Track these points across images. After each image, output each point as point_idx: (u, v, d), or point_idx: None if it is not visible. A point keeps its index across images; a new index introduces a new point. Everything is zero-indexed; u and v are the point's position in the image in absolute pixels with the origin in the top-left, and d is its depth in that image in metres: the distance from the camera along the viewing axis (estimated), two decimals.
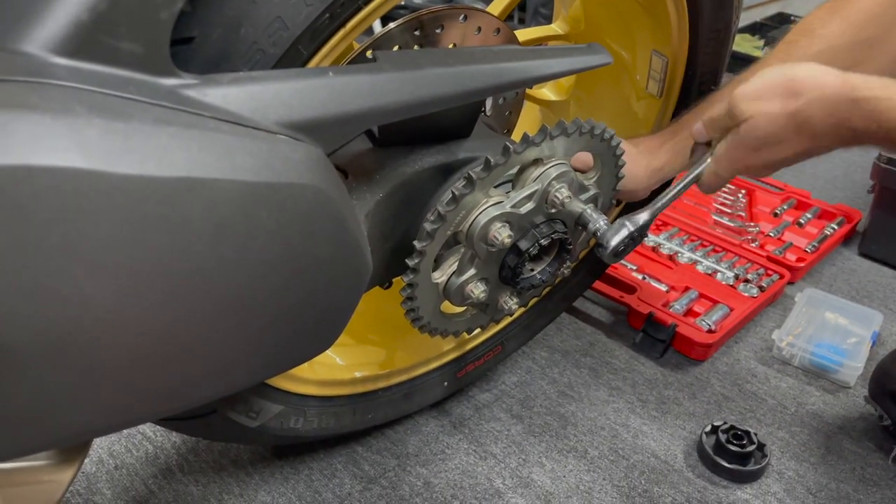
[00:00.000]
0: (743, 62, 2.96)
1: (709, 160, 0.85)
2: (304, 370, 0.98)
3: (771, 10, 3.17)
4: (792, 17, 3.11)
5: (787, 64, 0.77)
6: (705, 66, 1.04)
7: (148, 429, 1.19)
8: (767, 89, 0.76)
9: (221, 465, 1.14)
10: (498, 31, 0.93)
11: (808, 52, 0.90)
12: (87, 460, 1.12)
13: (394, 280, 1.00)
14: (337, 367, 1.06)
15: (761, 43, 2.83)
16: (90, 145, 0.44)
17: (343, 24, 0.65)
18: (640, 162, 0.96)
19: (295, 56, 0.63)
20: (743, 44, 2.80)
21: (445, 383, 1.20)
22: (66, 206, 0.43)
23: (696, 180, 0.87)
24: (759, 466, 1.13)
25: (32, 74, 0.46)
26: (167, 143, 0.48)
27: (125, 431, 1.18)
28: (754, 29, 2.96)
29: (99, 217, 0.45)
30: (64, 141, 0.43)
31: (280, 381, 0.95)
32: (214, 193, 0.50)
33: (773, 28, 2.97)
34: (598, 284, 1.46)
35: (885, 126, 0.70)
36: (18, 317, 0.46)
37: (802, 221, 1.71)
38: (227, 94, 0.54)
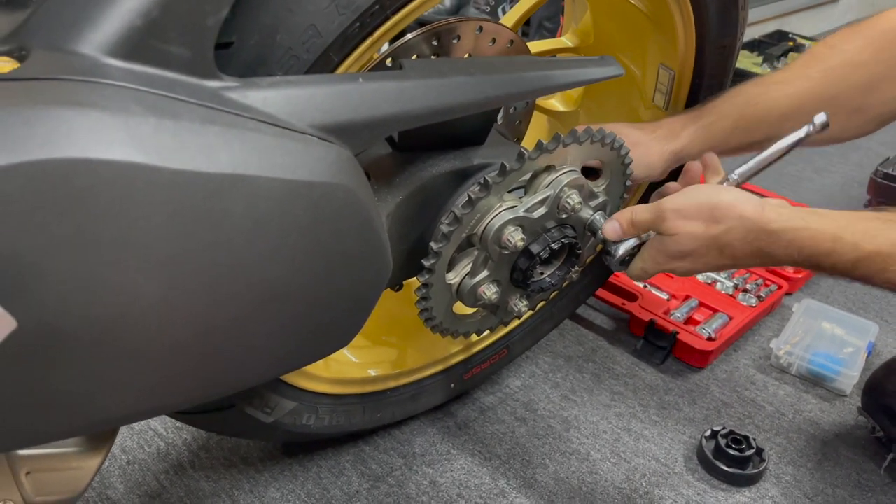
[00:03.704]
0: (743, 78, 2.97)
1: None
2: (318, 368, 1.00)
3: (770, 27, 3.23)
4: (790, 35, 3.16)
5: (714, 186, 0.83)
6: (711, 81, 1.07)
7: (160, 426, 1.21)
8: (693, 210, 0.80)
9: (232, 462, 1.17)
10: (511, 42, 0.96)
11: (827, 64, 0.94)
12: None
13: (405, 283, 1.03)
14: (350, 365, 1.08)
15: (760, 59, 2.88)
16: (145, 141, 0.47)
17: (371, 33, 0.68)
18: (654, 148, 0.99)
19: (326, 62, 0.66)
20: (743, 60, 2.84)
21: (452, 385, 1.23)
22: (123, 197, 0.46)
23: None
24: (757, 471, 1.16)
25: (89, 74, 0.49)
26: (213, 141, 0.51)
27: (137, 428, 1.21)
28: (753, 46, 3.01)
29: (152, 208, 0.48)
30: (121, 136, 0.46)
31: (294, 379, 0.97)
32: (255, 189, 0.53)
33: (772, 45, 3.01)
34: (600, 292, 1.49)
35: (806, 253, 0.76)
36: (72, 302, 0.48)
37: None
38: (265, 96, 0.57)
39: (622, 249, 0.89)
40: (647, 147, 0.98)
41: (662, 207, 0.82)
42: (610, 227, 0.89)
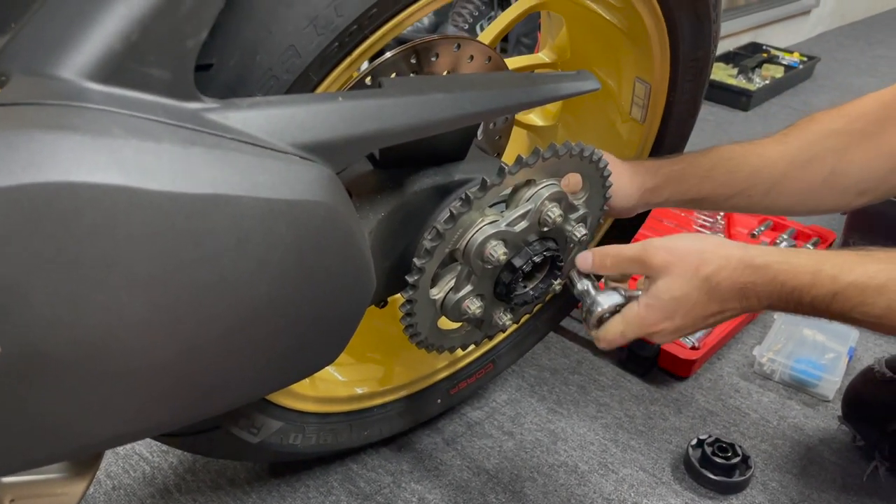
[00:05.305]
0: (719, 90, 3.01)
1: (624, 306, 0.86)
2: (304, 387, 1.00)
3: (744, 39, 3.28)
4: (764, 46, 3.21)
5: (696, 234, 0.84)
6: (685, 93, 1.09)
7: (145, 450, 1.20)
8: (682, 250, 0.81)
9: (219, 485, 1.16)
10: (489, 59, 0.97)
11: (805, 132, 0.99)
12: None
13: (389, 299, 1.03)
14: (336, 383, 1.08)
15: (735, 71, 2.92)
16: (126, 164, 0.48)
17: (350, 53, 0.69)
18: (634, 181, 1.01)
19: (306, 82, 0.66)
20: (717, 72, 2.89)
21: (439, 401, 1.23)
22: (106, 220, 0.47)
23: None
24: (743, 478, 1.17)
25: (70, 98, 0.49)
26: (195, 162, 0.51)
27: (122, 453, 1.19)
28: (728, 58, 3.05)
29: (135, 230, 0.48)
30: (103, 159, 0.46)
31: (281, 398, 0.97)
32: (237, 209, 0.53)
33: (746, 57, 3.06)
34: None
35: (789, 287, 0.77)
36: (56, 325, 0.48)
37: (779, 242, 1.77)
38: (246, 117, 0.57)
39: (606, 304, 0.87)
40: (628, 178, 1.00)
41: (651, 243, 0.83)
42: (582, 258, 0.89)
